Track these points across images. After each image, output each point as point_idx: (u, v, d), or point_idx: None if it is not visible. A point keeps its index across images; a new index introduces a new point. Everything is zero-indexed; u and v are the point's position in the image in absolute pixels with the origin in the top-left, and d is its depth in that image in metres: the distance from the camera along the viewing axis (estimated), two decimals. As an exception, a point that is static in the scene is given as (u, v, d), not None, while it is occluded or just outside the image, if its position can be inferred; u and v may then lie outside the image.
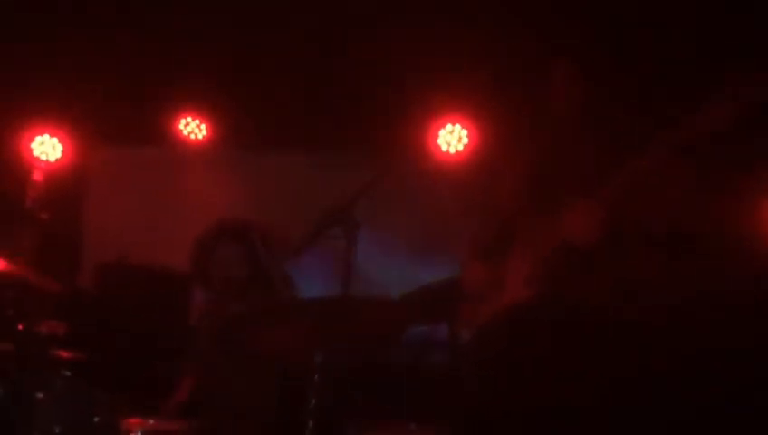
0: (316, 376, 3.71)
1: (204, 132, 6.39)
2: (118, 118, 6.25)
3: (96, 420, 3.72)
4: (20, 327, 4.10)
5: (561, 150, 3.38)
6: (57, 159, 6.30)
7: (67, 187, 6.30)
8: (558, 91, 3.40)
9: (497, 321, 3.38)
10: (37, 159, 6.22)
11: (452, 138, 6.00)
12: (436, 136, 6.01)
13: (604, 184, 3.13)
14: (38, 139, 6.28)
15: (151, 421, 4.08)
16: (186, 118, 6.37)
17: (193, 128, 6.38)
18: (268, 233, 4.92)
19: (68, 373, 3.79)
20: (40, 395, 3.64)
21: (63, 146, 6.32)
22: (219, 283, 4.80)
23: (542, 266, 3.28)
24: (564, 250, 3.19)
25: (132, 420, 3.99)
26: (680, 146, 3.03)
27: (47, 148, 6.29)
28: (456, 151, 5.99)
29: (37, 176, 5.47)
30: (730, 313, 4.47)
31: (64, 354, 4.08)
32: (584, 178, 3.20)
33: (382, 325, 3.70)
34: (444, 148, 6.01)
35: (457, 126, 5.97)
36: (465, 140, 5.97)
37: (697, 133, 2.99)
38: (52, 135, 6.30)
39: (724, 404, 4.21)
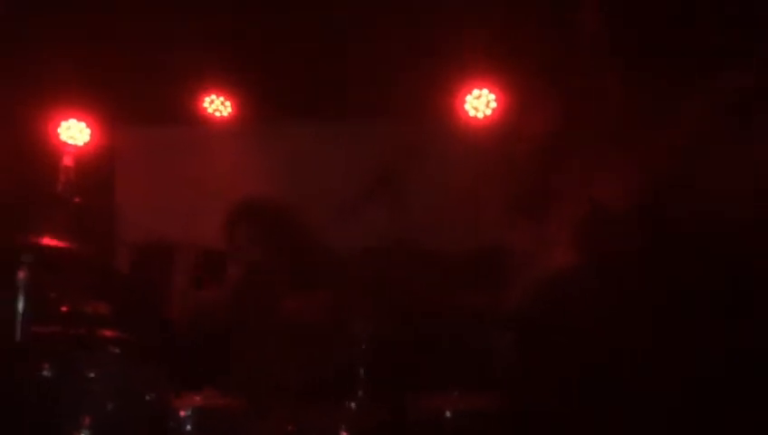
0: (363, 345, 3.74)
1: (229, 109, 6.39)
2: (143, 99, 6.25)
3: (148, 397, 3.73)
4: (64, 309, 4.12)
5: (588, 107, 3.36)
6: (85, 143, 6.32)
7: (97, 169, 6.31)
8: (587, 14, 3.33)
9: (537, 291, 3.39)
10: (65, 143, 6.24)
11: (479, 103, 5.96)
12: (464, 102, 5.98)
13: (635, 144, 3.10)
14: (64, 124, 6.30)
15: (198, 398, 4.10)
16: (210, 96, 6.36)
17: (218, 105, 6.38)
18: (285, 211, 4.93)
19: (117, 351, 3.80)
20: (91, 374, 3.66)
21: (91, 129, 6.33)
22: (245, 260, 4.82)
23: (576, 235, 3.28)
24: (594, 218, 3.19)
25: (181, 398, 4.01)
26: (724, 105, 2.98)
27: (74, 132, 6.31)
28: (485, 116, 5.96)
29: (67, 160, 5.48)
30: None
31: (110, 333, 4.10)
32: (613, 136, 3.18)
33: (425, 293, 3.70)
34: (471, 113, 5.98)
35: (485, 91, 5.94)
36: (494, 105, 5.94)
37: (744, 90, 2.94)
38: (78, 119, 6.31)
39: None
